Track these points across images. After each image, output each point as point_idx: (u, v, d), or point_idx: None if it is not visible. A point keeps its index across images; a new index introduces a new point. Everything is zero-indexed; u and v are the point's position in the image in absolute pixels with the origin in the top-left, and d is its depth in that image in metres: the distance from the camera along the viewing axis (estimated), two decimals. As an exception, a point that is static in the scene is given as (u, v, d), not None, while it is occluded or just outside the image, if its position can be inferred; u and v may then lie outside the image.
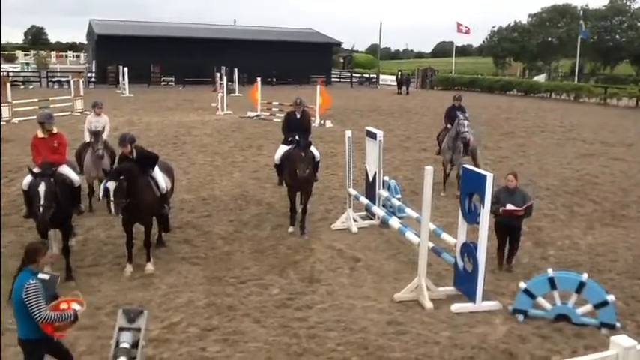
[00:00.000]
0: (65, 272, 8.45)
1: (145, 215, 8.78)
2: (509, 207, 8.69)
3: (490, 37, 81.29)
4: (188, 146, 19.18)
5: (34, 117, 22.68)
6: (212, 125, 24.28)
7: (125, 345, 4.75)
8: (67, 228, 8.72)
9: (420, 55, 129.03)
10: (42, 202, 7.82)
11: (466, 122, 13.01)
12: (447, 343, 6.94)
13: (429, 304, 7.78)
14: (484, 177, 7.42)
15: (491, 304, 7.79)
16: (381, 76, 58.50)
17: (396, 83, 47.73)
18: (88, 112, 14.95)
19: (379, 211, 10.57)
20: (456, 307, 7.72)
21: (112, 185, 8.01)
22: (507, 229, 8.93)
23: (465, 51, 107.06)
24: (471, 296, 7.77)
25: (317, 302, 7.94)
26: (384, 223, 10.38)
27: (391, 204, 11.09)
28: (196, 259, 9.40)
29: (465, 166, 8.25)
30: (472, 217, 7.83)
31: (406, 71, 50.92)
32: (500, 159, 18.10)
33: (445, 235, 8.83)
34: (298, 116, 11.19)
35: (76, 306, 5.24)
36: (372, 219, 11.23)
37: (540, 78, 56.85)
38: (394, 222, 9.57)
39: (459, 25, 54.52)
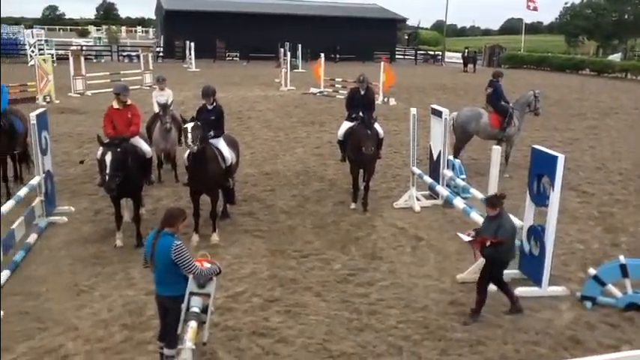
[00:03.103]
0: (136, 239, 8.81)
1: (211, 187, 8.99)
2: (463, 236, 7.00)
3: (562, 15, 77.98)
4: (252, 121, 19.43)
5: (106, 90, 23.55)
6: (275, 101, 24.47)
7: (195, 309, 4.92)
8: (138, 197, 9.04)
9: (488, 32, 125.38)
10: (108, 170, 8.12)
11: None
12: (510, 326, 6.84)
13: (492, 287, 7.65)
14: (555, 158, 7.19)
15: (558, 290, 7.60)
16: (447, 54, 57.24)
17: (461, 61, 46.63)
18: (155, 87, 15.38)
19: (443, 190, 10.43)
20: (521, 290, 7.56)
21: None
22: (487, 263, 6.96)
23: (535, 29, 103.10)
24: (536, 280, 7.60)
25: (378, 279, 7.96)
26: (448, 203, 10.24)
27: (455, 184, 10.91)
28: (260, 232, 9.57)
29: (534, 146, 7.98)
30: (541, 199, 7.61)
31: (472, 49, 49.59)
32: (571, 140, 17.47)
33: (511, 217, 8.61)
34: (362, 93, 11.11)
35: (207, 265, 5.42)
36: (435, 198, 11.10)
37: (615, 57, 54.18)
38: (458, 202, 9.43)
39: (527, 0, 52.54)
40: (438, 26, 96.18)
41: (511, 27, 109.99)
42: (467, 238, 6.93)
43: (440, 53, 57.91)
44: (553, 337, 6.63)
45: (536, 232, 7.58)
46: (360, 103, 11.00)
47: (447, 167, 11.01)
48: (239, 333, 6.52)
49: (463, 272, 7.99)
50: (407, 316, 7.01)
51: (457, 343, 6.46)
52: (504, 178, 12.41)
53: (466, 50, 47.11)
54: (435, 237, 9.54)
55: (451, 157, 11.65)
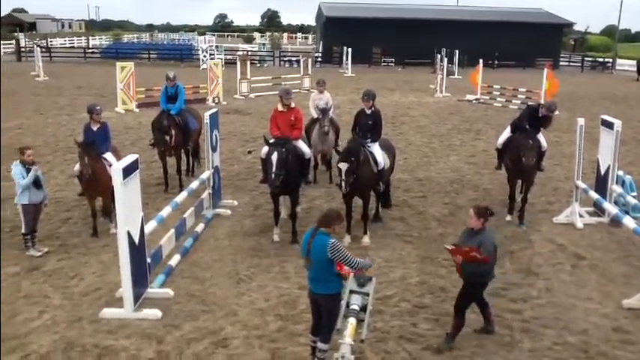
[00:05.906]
0: (291, 236, 9.24)
1: (363, 189, 9.16)
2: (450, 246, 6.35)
3: None
4: (406, 126, 19.44)
5: (268, 93, 24.90)
6: (430, 107, 24.25)
7: (355, 307, 5.08)
8: (295, 195, 9.48)
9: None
10: (273, 169, 8.62)
11: None
12: (687, 361, 6.21)
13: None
14: None
15: None
16: (618, 61, 52.78)
17: (636, 69, 42.74)
18: (313, 90, 16.02)
19: (611, 207, 9.69)
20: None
21: (343, 166, 8.59)
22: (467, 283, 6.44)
23: None
24: None
25: (533, 297, 7.61)
26: (615, 222, 9.52)
27: (625, 201, 10.10)
28: (410, 238, 9.58)
29: None
30: None
31: (650, 56, 45.22)
32: None
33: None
34: (540, 116, 10.43)
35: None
36: (600, 216, 10.35)
37: None
38: (629, 221, 8.70)
39: None
40: (609, 31, 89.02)
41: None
42: (449, 247, 6.31)
43: (610, 60, 53.59)
44: None
45: None
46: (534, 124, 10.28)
47: (617, 183, 10.23)
48: (387, 336, 6.59)
49: (630, 298, 7.37)
50: (564, 338, 6.63)
51: (621, 373, 6.00)
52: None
53: (644, 57, 43.07)
54: (598, 257, 8.90)
55: (621, 173, 10.79)
